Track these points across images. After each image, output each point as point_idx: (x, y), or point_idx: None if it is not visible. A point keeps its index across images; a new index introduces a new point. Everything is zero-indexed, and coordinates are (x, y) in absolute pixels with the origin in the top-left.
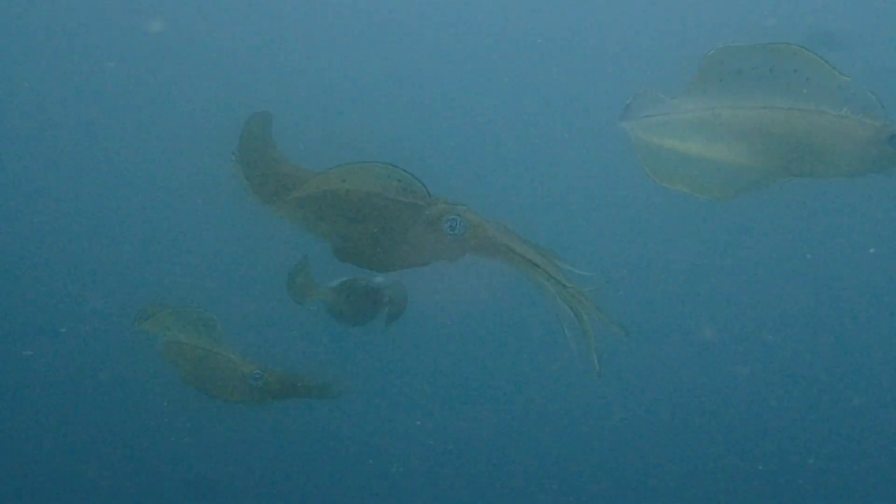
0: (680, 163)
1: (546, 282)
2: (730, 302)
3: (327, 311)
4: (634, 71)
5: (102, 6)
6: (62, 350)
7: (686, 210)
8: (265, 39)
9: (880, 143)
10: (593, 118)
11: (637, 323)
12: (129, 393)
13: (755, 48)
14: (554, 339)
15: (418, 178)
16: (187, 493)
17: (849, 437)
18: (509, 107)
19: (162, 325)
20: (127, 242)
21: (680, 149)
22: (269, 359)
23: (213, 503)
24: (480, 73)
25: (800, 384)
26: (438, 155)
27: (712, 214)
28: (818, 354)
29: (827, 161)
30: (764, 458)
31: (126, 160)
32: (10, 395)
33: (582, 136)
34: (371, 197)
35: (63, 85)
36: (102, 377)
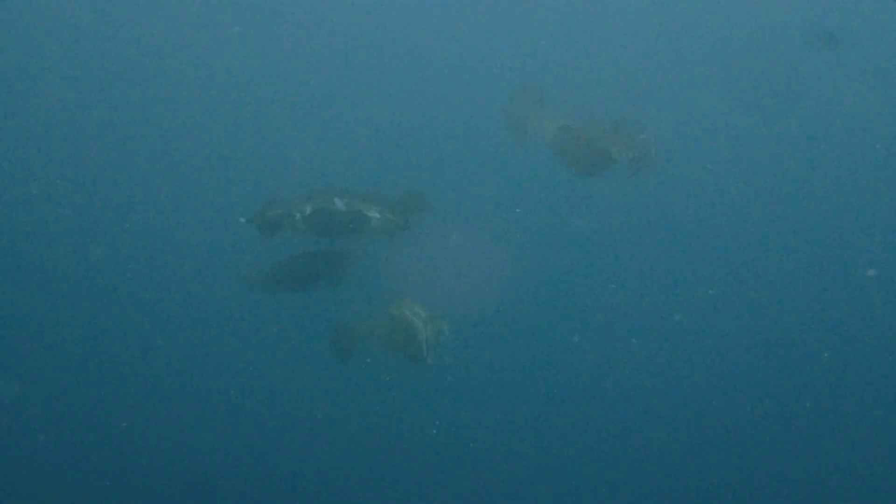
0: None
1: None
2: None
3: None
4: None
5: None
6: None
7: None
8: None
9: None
10: None
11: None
12: (127, 393)
13: None
14: (549, 339)
15: None
16: (187, 494)
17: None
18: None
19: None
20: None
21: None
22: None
23: (212, 503)
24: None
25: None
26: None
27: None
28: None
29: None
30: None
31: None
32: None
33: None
34: None
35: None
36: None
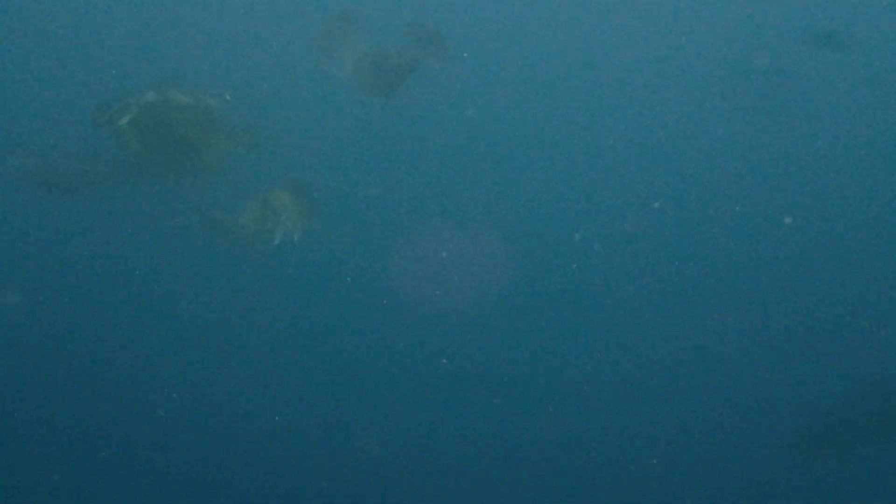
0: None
1: None
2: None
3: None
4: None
5: None
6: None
7: None
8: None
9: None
10: None
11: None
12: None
13: None
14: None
15: None
16: (187, 494)
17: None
18: None
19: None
20: None
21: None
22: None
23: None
24: None
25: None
26: None
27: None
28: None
29: None
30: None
31: None
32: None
33: None
34: None
35: None
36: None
